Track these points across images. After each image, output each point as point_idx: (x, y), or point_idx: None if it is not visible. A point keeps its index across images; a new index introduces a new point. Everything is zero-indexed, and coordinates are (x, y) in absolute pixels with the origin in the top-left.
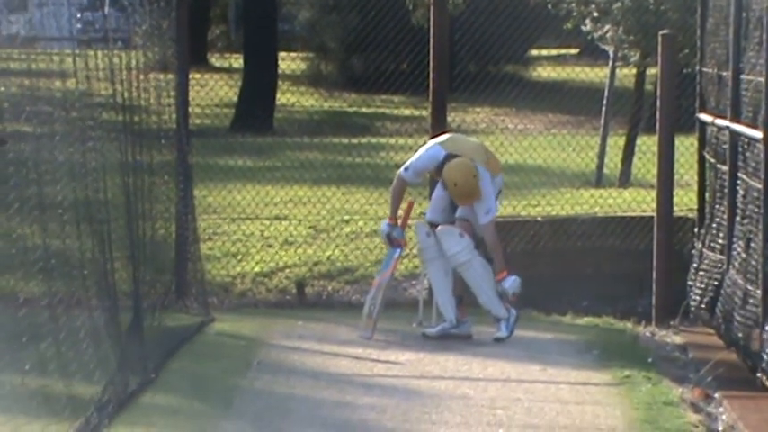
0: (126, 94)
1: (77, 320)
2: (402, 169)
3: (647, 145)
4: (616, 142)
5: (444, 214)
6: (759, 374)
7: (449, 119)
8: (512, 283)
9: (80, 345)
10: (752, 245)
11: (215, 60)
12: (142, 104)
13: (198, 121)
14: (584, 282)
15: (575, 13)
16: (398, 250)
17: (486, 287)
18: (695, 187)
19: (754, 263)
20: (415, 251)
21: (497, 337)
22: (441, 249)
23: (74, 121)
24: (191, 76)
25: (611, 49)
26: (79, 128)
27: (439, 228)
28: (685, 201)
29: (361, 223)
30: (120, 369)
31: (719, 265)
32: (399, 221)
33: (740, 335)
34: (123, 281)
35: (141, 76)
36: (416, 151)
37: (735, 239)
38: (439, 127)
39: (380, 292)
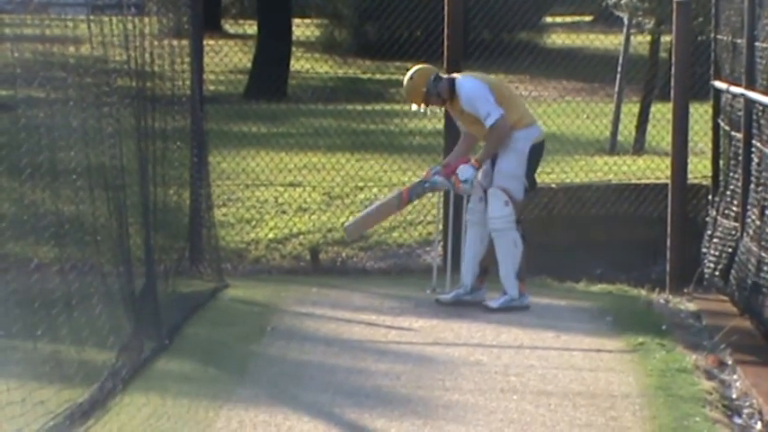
0: (140, 61)
1: (90, 286)
2: (493, 120)
3: (662, 112)
4: (630, 109)
5: (487, 178)
6: None
7: None
8: (464, 169)
9: (93, 310)
10: (766, 212)
11: (229, 27)
12: (156, 71)
13: (212, 88)
14: (599, 249)
15: None
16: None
17: (510, 263)
18: (709, 155)
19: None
20: (428, 218)
21: (486, 305)
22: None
23: (88, 86)
24: (205, 42)
25: (625, 17)
26: (93, 94)
27: (490, 189)
28: (699, 168)
29: (375, 190)
30: (135, 335)
31: (733, 232)
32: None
33: (754, 302)
34: (137, 247)
35: (155, 42)
36: (480, 105)
37: (749, 207)
38: None
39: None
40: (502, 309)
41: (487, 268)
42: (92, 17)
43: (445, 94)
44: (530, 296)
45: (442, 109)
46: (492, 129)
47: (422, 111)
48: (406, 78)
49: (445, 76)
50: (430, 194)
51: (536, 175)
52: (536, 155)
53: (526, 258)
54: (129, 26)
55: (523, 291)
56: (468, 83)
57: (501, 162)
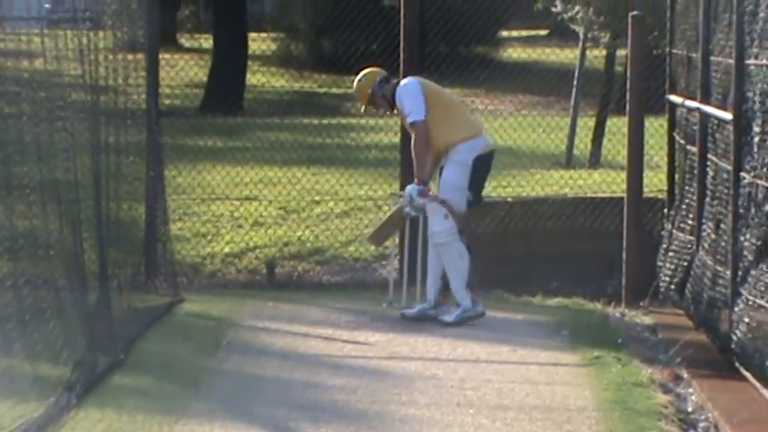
0: (95, 75)
1: (44, 301)
2: (413, 120)
3: (617, 126)
4: (586, 123)
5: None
6: (728, 355)
7: None
8: (411, 188)
9: (47, 325)
10: (721, 226)
11: (185, 41)
12: (111, 85)
13: (168, 102)
14: (555, 262)
15: None
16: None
17: (458, 275)
18: (665, 168)
19: (723, 244)
20: None
21: (442, 319)
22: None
23: (42, 101)
24: (160, 56)
25: (581, 30)
26: (47, 108)
27: (429, 204)
28: (655, 182)
29: (331, 204)
30: (89, 350)
31: (689, 245)
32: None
33: (709, 316)
34: (92, 261)
35: (111, 56)
36: (404, 107)
37: (704, 220)
38: None
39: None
40: (457, 322)
41: (448, 284)
42: (46, 31)
43: (389, 97)
44: (485, 309)
45: (398, 122)
46: (412, 128)
47: (374, 112)
48: (355, 81)
49: (395, 80)
50: (386, 208)
51: (484, 189)
52: (482, 167)
53: (474, 268)
54: (84, 40)
55: (476, 299)
56: (405, 84)
57: (444, 173)
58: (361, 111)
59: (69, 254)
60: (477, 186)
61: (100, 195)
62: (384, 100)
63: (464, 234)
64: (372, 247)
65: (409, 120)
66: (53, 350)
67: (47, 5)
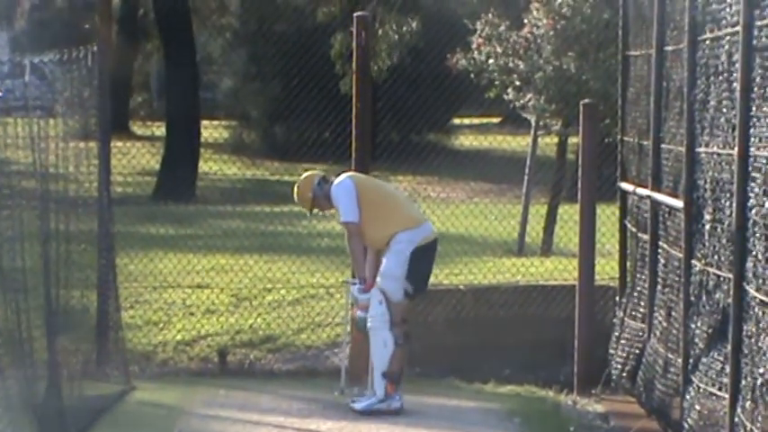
0: (46, 162)
1: None
2: (344, 220)
3: (569, 213)
4: (538, 210)
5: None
6: None
7: None
8: (353, 290)
9: None
10: (672, 314)
11: (137, 128)
12: (63, 172)
13: (120, 189)
14: (507, 350)
15: (497, 82)
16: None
17: (378, 363)
18: (617, 256)
19: (674, 332)
20: (337, 319)
21: (352, 406)
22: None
23: None
24: (113, 143)
25: (533, 118)
26: None
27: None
28: (607, 269)
29: (283, 291)
30: None
31: (641, 333)
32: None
33: (661, 403)
34: (42, 349)
35: (62, 144)
36: (340, 203)
37: (656, 308)
38: None
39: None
40: (366, 412)
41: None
42: None
43: (325, 200)
44: (367, 400)
45: None
46: (344, 227)
47: (321, 213)
48: (294, 189)
49: (333, 178)
50: (338, 295)
51: (428, 279)
52: (422, 257)
53: (400, 361)
54: (35, 128)
55: (392, 392)
56: (339, 183)
57: (383, 262)
58: (308, 215)
59: (15, 342)
60: (418, 277)
61: (50, 283)
62: (326, 200)
63: (405, 323)
64: (324, 335)
65: (341, 220)
66: None
67: None
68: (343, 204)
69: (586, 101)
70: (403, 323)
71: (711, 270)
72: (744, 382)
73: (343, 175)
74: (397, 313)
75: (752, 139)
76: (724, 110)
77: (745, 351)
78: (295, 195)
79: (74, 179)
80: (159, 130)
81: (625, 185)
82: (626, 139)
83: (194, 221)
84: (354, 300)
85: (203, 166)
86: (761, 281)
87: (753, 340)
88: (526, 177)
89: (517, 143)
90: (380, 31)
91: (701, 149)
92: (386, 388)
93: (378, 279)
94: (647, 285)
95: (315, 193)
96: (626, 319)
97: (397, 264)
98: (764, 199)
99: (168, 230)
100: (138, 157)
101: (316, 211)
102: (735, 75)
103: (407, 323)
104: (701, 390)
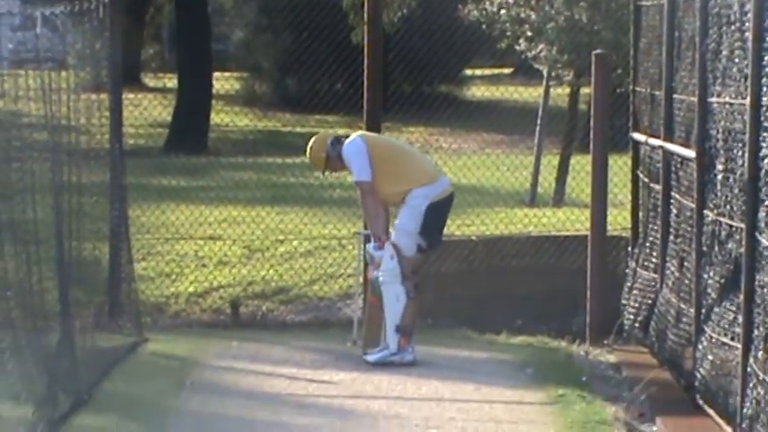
0: (58, 114)
1: (2, 341)
2: (357, 179)
3: (581, 164)
4: (550, 161)
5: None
6: (692, 393)
7: None
8: (369, 247)
9: (5, 366)
10: (685, 264)
11: (149, 80)
12: (75, 124)
13: (132, 141)
14: (519, 301)
15: (508, 33)
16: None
17: (391, 316)
18: (629, 206)
19: (687, 282)
20: (349, 270)
21: (365, 358)
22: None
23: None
24: (124, 95)
25: (544, 69)
26: (4, 148)
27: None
28: (619, 220)
29: (295, 243)
30: (50, 390)
31: (653, 283)
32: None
33: (673, 353)
34: (54, 301)
35: (73, 96)
36: (352, 163)
37: (668, 258)
38: None
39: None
40: (378, 363)
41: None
42: (7, 72)
43: (337, 162)
44: (380, 352)
45: None
46: (357, 186)
47: (335, 174)
48: (307, 150)
49: (344, 138)
50: (350, 247)
51: (441, 234)
52: (437, 213)
53: (412, 313)
54: (47, 80)
55: (404, 345)
56: (350, 143)
57: (398, 218)
58: (322, 176)
59: (27, 294)
60: (433, 231)
61: (62, 235)
62: (340, 160)
63: (416, 276)
64: (336, 286)
65: (354, 179)
66: (13, 391)
67: (9, 46)
68: (356, 163)
69: (598, 51)
70: (414, 275)
71: (724, 220)
72: (756, 332)
73: (354, 135)
74: (408, 267)
75: (764, 88)
76: (736, 59)
77: (758, 301)
78: (308, 156)
79: (85, 131)
80: (171, 81)
81: (637, 136)
82: (638, 89)
83: (206, 173)
84: (370, 258)
85: (215, 118)
86: None
87: (765, 290)
88: (538, 128)
89: (529, 94)
90: None
91: (714, 99)
92: (399, 341)
93: (391, 233)
94: (659, 235)
95: (328, 154)
96: (638, 269)
97: (411, 218)
98: None
99: (180, 182)
100: (149, 109)
101: (328, 173)
102: (747, 24)
103: (418, 275)
104: (714, 340)
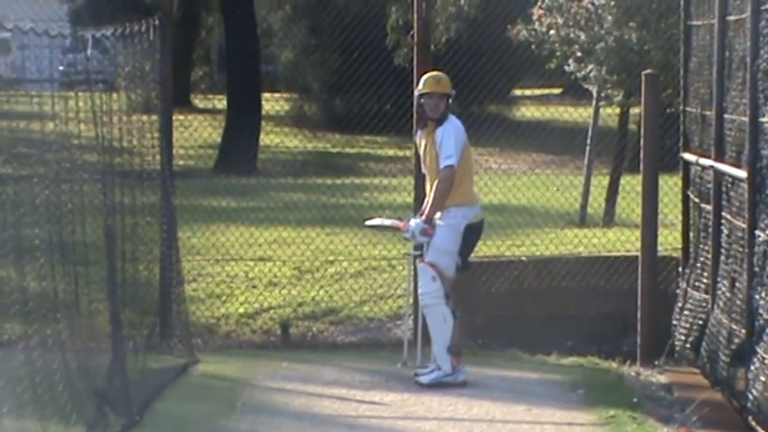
0: (108, 136)
1: (53, 362)
2: (451, 163)
3: (631, 184)
4: (600, 182)
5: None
6: (744, 414)
7: None
8: (415, 225)
9: (57, 387)
10: (736, 284)
11: (198, 101)
12: (125, 146)
13: (181, 162)
14: (569, 321)
15: (558, 54)
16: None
17: (440, 338)
18: (679, 227)
19: (738, 302)
20: (399, 291)
21: (417, 379)
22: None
23: (51, 163)
24: (174, 117)
25: (594, 89)
26: (55, 170)
27: (420, 265)
28: (669, 240)
29: (345, 264)
30: (100, 411)
31: (704, 304)
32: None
33: (725, 374)
34: (105, 323)
35: (124, 118)
36: (446, 144)
37: (719, 279)
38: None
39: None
40: (433, 384)
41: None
42: (58, 93)
43: (444, 112)
44: (433, 374)
45: (411, 183)
46: (443, 172)
47: (426, 111)
48: (436, 73)
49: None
50: (400, 267)
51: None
52: (473, 235)
53: (459, 332)
54: (98, 102)
55: (457, 366)
56: (459, 123)
57: (436, 236)
58: (420, 94)
59: (78, 315)
60: (467, 253)
61: (114, 256)
62: (447, 109)
63: (450, 299)
64: (386, 307)
65: (447, 162)
66: (64, 412)
67: (60, 68)
68: (453, 144)
69: (648, 71)
70: (452, 296)
71: None
72: None
73: (458, 120)
74: (448, 287)
75: None
76: None
77: None
78: (442, 77)
79: (136, 152)
80: (221, 102)
81: (687, 156)
82: (688, 109)
83: (256, 194)
84: (413, 236)
85: (264, 139)
86: None
87: None
88: (588, 148)
89: (578, 114)
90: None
91: (765, 119)
92: (452, 362)
93: (430, 254)
94: (710, 256)
95: (450, 96)
96: (689, 289)
97: (451, 239)
98: None
99: (230, 203)
100: (199, 130)
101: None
102: None
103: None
104: (766, 360)
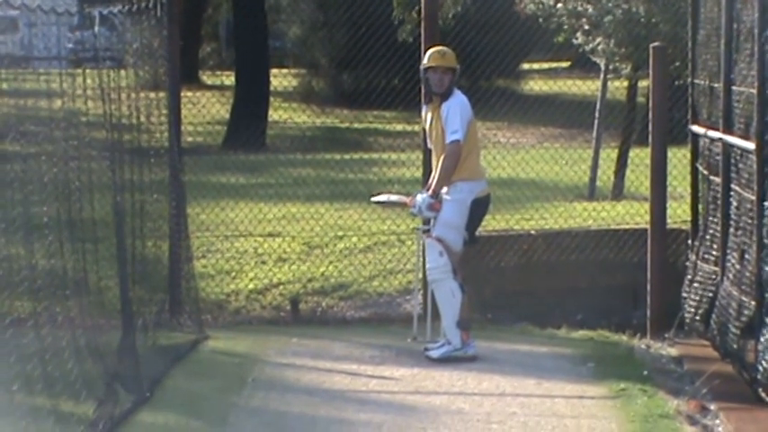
0: (117, 113)
1: (63, 340)
2: (457, 138)
3: (640, 157)
4: (609, 155)
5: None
6: (755, 386)
7: None
8: (422, 200)
9: (66, 364)
10: (746, 256)
11: (206, 78)
12: (133, 123)
13: (190, 139)
14: (579, 295)
15: (566, 27)
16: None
17: (449, 313)
18: (688, 199)
19: (748, 274)
20: (408, 266)
21: (427, 354)
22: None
23: (59, 140)
24: (182, 93)
25: (602, 62)
26: (63, 147)
27: (427, 240)
28: (679, 213)
29: (354, 239)
30: (110, 388)
31: (714, 276)
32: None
33: (735, 346)
34: (115, 300)
35: (132, 95)
36: (451, 119)
37: (729, 251)
38: None
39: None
40: (442, 359)
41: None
42: (66, 71)
43: (449, 87)
44: (442, 348)
45: (420, 157)
46: (449, 147)
47: (431, 85)
48: (441, 47)
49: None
50: (409, 242)
51: (477, 230)
52: (479, 209)
53: (468, 307)
54: (106, 79)
55: (467, 340)
56: (464, 98)
57: (442, 211)
58: (425, 68)
59: (87, 292)
60: (474, 227)
61: (123, 233)
62: (451, 84)
63: (459, 273)
64: (396, 282)
65: (453, 137)
66: (73, 389)
67: (69, 45)
68: (460, 121)
69: (656, 44)
70: (460, 270)
71: None
72: None
73: (463, 95)
74: (456, 261)
75: None
76: None
77: None
78: (446, 51)
79: (144, 129)
80: (229, 79)
81: (696, 128)
82: (696, 81)
83: (265, 170)
84: (419, 210)
85: (273, 115)
86: None
87: None
88: (596, 121)
89: (587, 87)
90: None
91: None
92: (461, 336)
93: (437, 229)
94: (719, 228)
95: (455, 71)
96: (698, 262)
97: (457, 213)
98: None
99: (239, 179)
100: (207, 107)
101: (433, 77)
102: None
103: (463, 270)
104: None
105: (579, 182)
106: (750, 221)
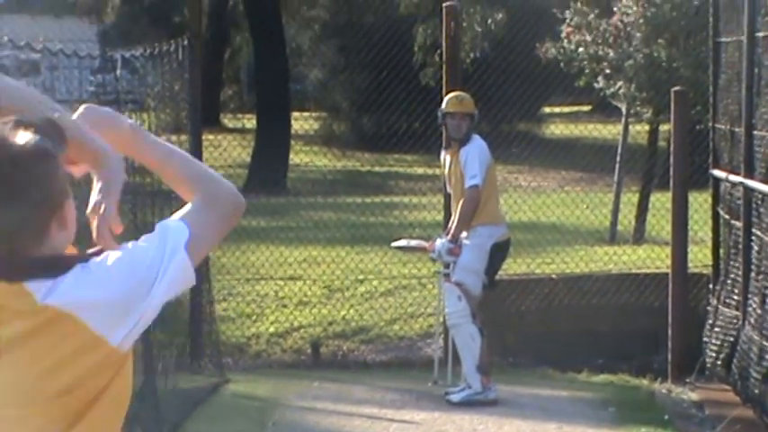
0: None
1: None
2: (476, 183)
3: (661, 201)
4: (630, 199)
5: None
6: None
7: None
8: (441, 245)
9: None
10: (767, 301)
11: (228, 121)
12: None
13: None
14: (600, 339)
15: (587, 71)
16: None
17: (469, 357)
18: (709, 243)
19: None
20: (429, 310)
21: (448, 398)
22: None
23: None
24: (204, 136)
25: (623, 106)
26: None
27: (445, 284)
28: (700, 257)
29: (375, 283)
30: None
31: (735, 321)
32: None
33: (757, 391)
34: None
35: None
36: (470, 164)
37: (750, 295)
38: None
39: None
40: (464, 402)
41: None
42: None
43: (467, 132)
44: (463, 392)
45: (441, 201)
46: (467, 192)
47: (451, 130)
48: (459, 93)
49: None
50: (430, 286)
51: (498, 275)
52: (499, 253)
53: (488, 351)
54: None
55: (487, 384)
56: (483, 143)
57: (462, 256)
58: (443, 113)
59: None
60: (493, 272)
61: None
62: (468, 129)
63: (478, 317)
64: (417, 326)
65: (472, 182)
66: None
67: (90, 88)
68: (477, 164)
69: (677, 88)
70: (479, 314)
71: None
72: None
73: (481, 140)
74: (475, 306)
75: None
76: None
77: None
78: (465, 97)
79: None
80: (250, 122)
81: (717, 172)
82: (717, 125)
83: (286, 213)
84: (439, 255)
85: (294, 158)
86: None
87: None
88: (617, 165)
89: (608, 131)
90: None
91: None
92: (482, 380)
93: (456, 274)
94: (740, 272)
95: (473, 116)
96: (720, 306)
97: (477, 258)
98: None
99: (260, 222)
100: (229, 150)
101: (452, 122)
102: None
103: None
104: None
105: (600, 226)
106: None
